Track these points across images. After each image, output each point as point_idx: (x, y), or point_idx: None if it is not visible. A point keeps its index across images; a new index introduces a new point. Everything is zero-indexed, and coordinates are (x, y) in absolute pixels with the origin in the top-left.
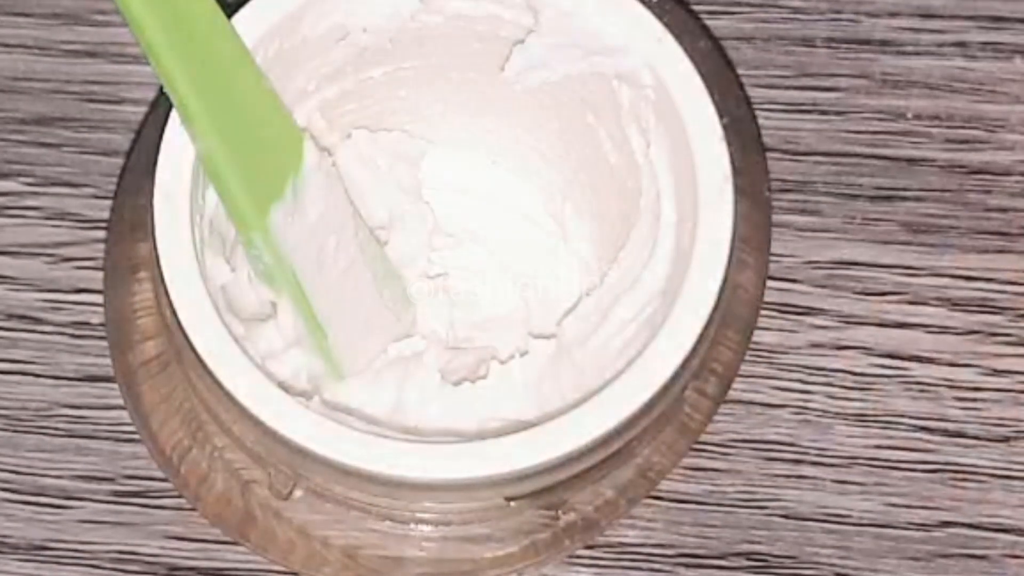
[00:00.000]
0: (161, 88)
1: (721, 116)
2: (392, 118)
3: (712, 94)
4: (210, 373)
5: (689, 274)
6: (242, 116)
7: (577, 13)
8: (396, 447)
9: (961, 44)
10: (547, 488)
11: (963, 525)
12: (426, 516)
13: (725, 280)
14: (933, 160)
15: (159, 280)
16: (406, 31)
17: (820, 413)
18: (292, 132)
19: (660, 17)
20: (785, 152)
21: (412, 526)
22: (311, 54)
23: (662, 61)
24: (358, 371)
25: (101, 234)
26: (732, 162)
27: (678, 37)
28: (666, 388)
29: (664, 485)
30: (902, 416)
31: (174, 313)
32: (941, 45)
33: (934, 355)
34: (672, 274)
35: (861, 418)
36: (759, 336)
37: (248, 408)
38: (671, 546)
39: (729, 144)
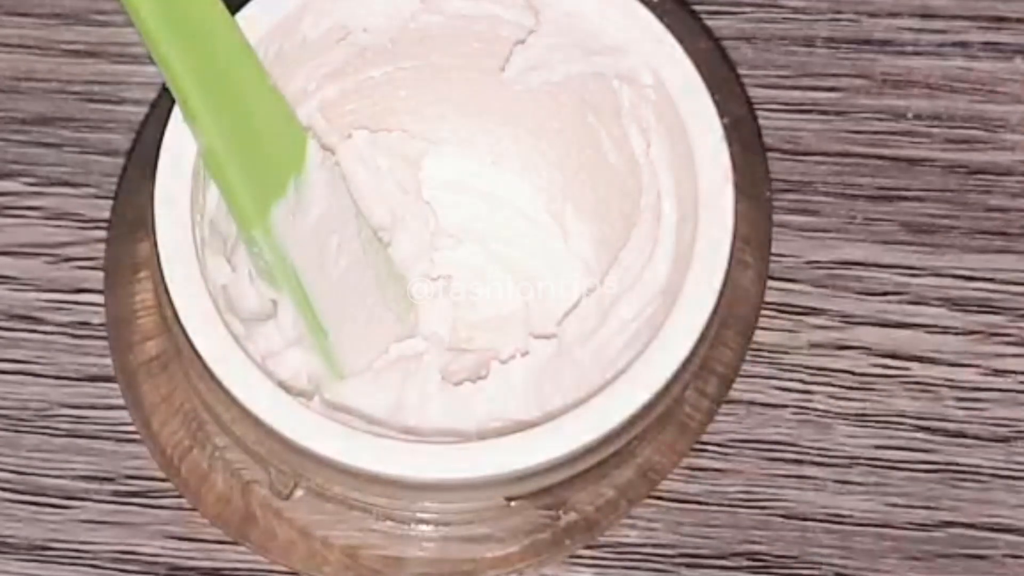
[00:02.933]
0: (162, 88)
1: (721, 116)
2: (392, 118)
3: (712, 94)
4: (210, 373)
5: (689, 274)
6: (245, 113)
7: (577, 13)
8: (396, 447)
9: (961, 44)
10: (547, 488)
11: (964, 525)
12: (426, 516)
13: (725, 280)
14: (933, 160)
15: (159, 280)
16: (406, 31)
17: (821, 413)
18: (295, 130)
19: (660, 17)
20: (785, 152)
21: (412, 526)
22: (311, 54)
23: (662, 61)
24: (358, 371)
25: (101, 234)
26: (732, 162)
27: (678, 37)
28: (666, 388)
29: (664, 485)
30: (903, 416)
31: (174, 313)
32: (941, 45)
33: (935, 355)
34: (672, 274)
35: (862, 418)
36: (760, 336)
37: (248, 408)
38: (672, 546)
39: (729, 144)
